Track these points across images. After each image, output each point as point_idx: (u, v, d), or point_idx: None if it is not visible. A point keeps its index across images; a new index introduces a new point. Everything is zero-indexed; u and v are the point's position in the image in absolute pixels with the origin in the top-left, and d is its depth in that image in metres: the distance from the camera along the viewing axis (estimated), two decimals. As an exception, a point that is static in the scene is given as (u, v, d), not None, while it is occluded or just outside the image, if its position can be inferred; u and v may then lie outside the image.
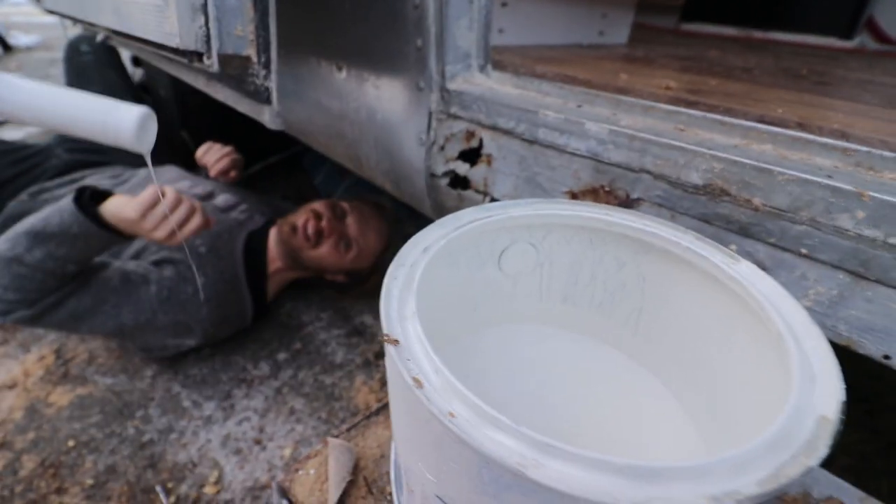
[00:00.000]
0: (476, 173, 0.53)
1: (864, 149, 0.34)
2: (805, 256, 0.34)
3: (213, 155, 1.11)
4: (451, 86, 0.51)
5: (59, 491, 0.81)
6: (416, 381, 0.21)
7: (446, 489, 0.23)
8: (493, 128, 0.49)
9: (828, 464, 0.39)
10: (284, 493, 0.45)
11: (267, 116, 0.58)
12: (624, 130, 0.40)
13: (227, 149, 1.13)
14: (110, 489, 0.82)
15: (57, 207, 0.73)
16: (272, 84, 0.44)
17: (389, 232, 1.10)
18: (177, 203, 0.72)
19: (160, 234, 0.72)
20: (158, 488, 0.82)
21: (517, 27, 0.74)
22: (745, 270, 0.29)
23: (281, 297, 1.18)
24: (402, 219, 1.18)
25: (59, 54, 2.28)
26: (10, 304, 0.76)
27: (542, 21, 0.79)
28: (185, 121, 1.36)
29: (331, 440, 0.46)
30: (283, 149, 1.55)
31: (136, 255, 0.94)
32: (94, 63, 1.32)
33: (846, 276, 0.33)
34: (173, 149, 1.30)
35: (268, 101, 0.47)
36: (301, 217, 1.00)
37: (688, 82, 0.54)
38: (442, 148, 0.54)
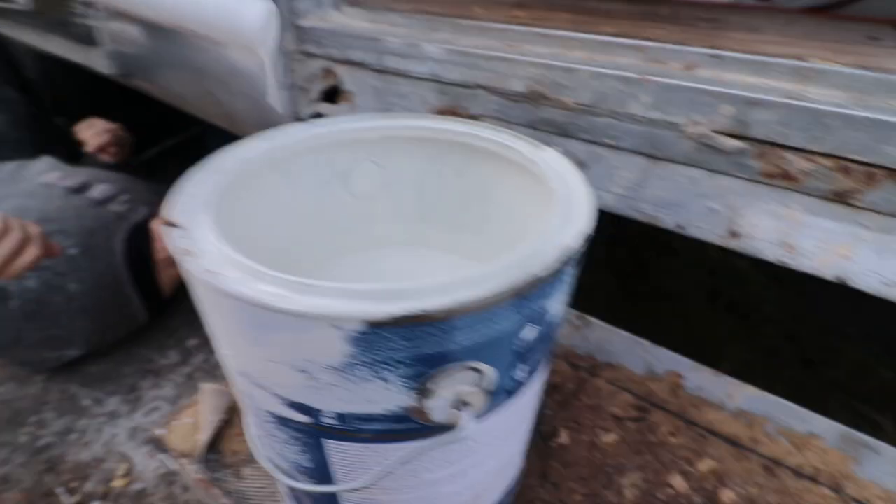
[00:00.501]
0: (339, 112, 0.52)
1: (657, 45, 0.38)
2: (611, 147, 0.38)
3: (92, 129, 1.01)
4: (304, 22, 0.50)
5: (-60, 511, 0.73)
6: (186, 251, 0.21)
7: (237, 358, 0.23)
8: (347, 62, 0.49)
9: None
10: (160, 444, 0.44)
11: (100, 61, 0.53)
12: (457, 48, 0.41)
13: (110, 125, 1.03)
14: (5, 499, 0.75)
15: None
16: (97, 23, 0.41)
17: None
18: (2, 233, 0.60)
19: None
20: (60, 489, 0.77)
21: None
22: (545, 155, 0.32)
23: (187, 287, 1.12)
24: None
25: None
26: None
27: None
28: (59, 106, 1.22)
29: (203, 385, 0.45)
30: (182, 130, 1.45)
31: None
32: None
33: (643, 160, 0.37)
34: (48, 137, 1.17)
35: (93, 41, 0.43)
36: None
37: (538, 14, 0.57)
38: (304, 89, 0.54)
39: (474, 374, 0.22)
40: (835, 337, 1.16)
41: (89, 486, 0.78)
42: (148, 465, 0.80)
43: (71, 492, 0.77)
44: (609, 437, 0.45)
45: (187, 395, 0.91)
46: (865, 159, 0.29)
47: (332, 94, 0.52)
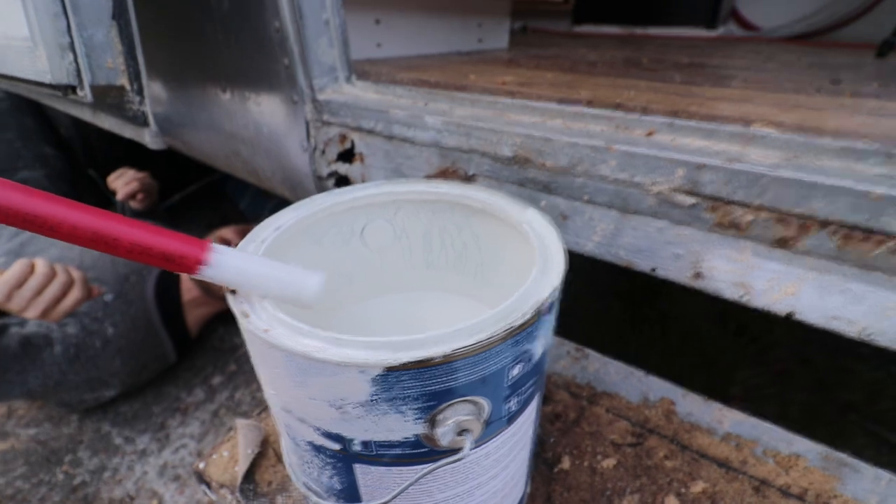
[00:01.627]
0: (354, 170, 0.60)
1: (622, 115, 0.44)
2: (588, 202, 0.44)
3: (122, 179, 1.10)
4: (321, 97, 0.58)
5: (-15, 548, 0.78)
6: (244, 313, 0.27)
7: (281, 396, 0.29)
8: (359, 129, 0.56)
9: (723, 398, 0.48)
10: (201, 476, 0.49)
11: (147, 138, 0.62)
12: (454, 120, 0.48)
13: (139, 173, 1.12)
14: (41, 537, 0.80)
15: None
16: (147, 108, 0.49)
17: None
18: (49, 277, 0.65)
19: (32, 313, 0.65)
20: (94, 526, 0.81)
21: (394, 41, 0.83)
22: (528, 215, 0.38)
23: (210, 325, 1.18)
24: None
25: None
26: None
27: (418, 33, 0.88)
28: (90, 160, 1.34)
29: (239, 420, 0.50)
30: (203, 177, 1.55)
31: None
32: (8, 109, 1.27)
33: (617, 213, 0.43)
34: (80, 190, 1.28)
35: (145, 123, 0.51)
36: None
37: (525, 77, 0.65)
38: (323, 152, 0.61)
39: (473, 406, 0.27)
40: (848, 358, 1.18)
41: (122, 523, 0.82)
42: (177, 500, 0.85)
43: (105, 528, 0.81)
44: (608, 462, 0.49)
45: (213, 432, 0.96)
46: (798, 211, 0.35)
47: (348, 155, 0.59)
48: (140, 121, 0.51)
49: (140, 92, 0.49)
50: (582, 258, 0.47)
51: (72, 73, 0.45)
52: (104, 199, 1.19)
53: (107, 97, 0.49)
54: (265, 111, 0.63)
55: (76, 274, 0.70)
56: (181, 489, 0.87)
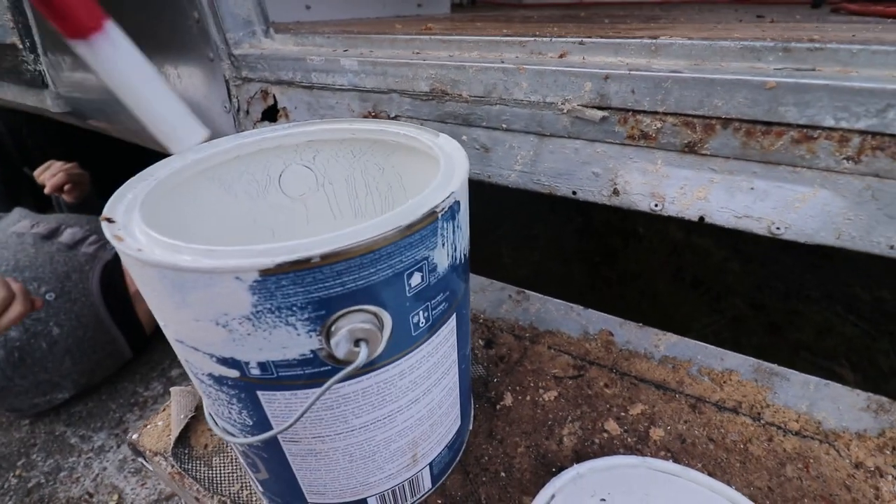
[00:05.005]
0: (280, 129, 0.58)
1: (536, 39, 0.44)
2: (507, 130, 0.43)
3: (49, 171, 1.04)
4: (238, 51, 0.55)
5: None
6: (117, 237, 0.26)
7: (169, 324, 0.27)
8: (279, 82, 0.54)
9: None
10: (135, 447, 0.47)
11: (49, 101, 0.58)
12: (370, 59, 0.47)
13: (66, 164, 1.05)
14: (-6, 543, 0.76)
15: None
16: (43, 67, 0.46)
17: None
18: None
19: None
20: (51, 527, 0.78)
21: (324, 4, 0.80)
22: (440, 140, 0.37)
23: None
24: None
25: None
26: None
27: (353, -2, 0.85)
28: (25, 157, 1.27)
29: (173, 388, 0.48)
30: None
31: None
32: None
33: (534, 138, 0.42)
34: (15, 189, 1.21)
35: (44, 84, 0.48)
36: None
37: (450, 26, 0.63)
38: (247, 112, 0.59)
39: (369, 315, 0.26)
40: (798, 301, 1.22)
41: (81, 520, 0.79)
42: (139, 493, 0.82)
43: (63, 528, 0.78)
44: (550, 395, 0.49)
45: (173, 422, 0.93)
46: (701, 112, 0.35)
47: (272, 112, 0.57)
48: (38, 82, 0.48)
49: (33, 49, 0.45)
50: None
51: (-51, 29, 0.42)
52: (43, 199, 1.13)
53: (1, 59, 0.46)
54: (182, 73, 0.60)
55: (16, 286, 0.66)
56: (143, 481, 0.84)
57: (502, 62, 0.42)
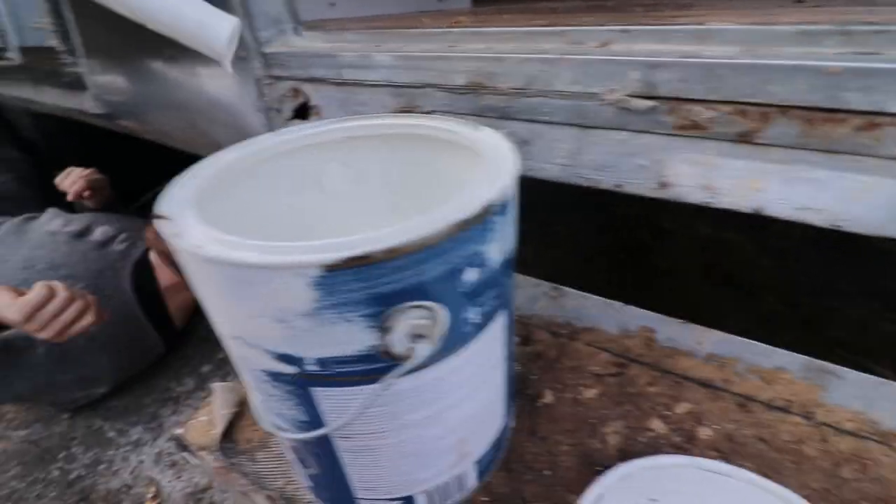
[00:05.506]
0: (313, 127, 0.58)
1: (576, 29, 0.43)
2: (547, 122, 0.42)
3: (69, 179, 1.07)
4: (268, 49, 0.56)
5: (-16, 548, 0.77)
6: (175, 234, 0.26)
7: (227, 322, 0.28)
8: (311, 79, 0.54)
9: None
10: (180, 442, 0.48)
11: (88, 103, 0.59)
12: (404, 54, 0.47)
13: (85, 170, 1.08)
14: (40, 533, 0.79)
15: None
16: (83, 69, 0.46)
17: None
18: (69, 301, 0.68)
19: (47, 334, 0.67)
20: (93, 518, 0.80)
21: (348, 1, 0.80)
22: (482, 134, 0.37)
23: (197, 315, 1.17)
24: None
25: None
26: None
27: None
28: (56, 162, 1.30)
29: (214, 384, 0.49)
30: (173, 176, 1.52)
31: None
32: None
33: (576, 130, 0.41)
34: (48, 193, 1.24)
35: (83, 87, 0.49)
36: None
37: (479, 18, 0.63)
38: (278, 110, 0.59)
39: (426, 311, 0.26)
40: (833, 297, 1.18)
41: (121, 512, 0.81)
42: (175, 486, 0.84)
43: (104, 519, 0.80)
44: (591, 393, 0.48)
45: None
46: (757, 100, 0.33)
47: (303, 111, 0.57)
48: (77, 85, 0.48)
49: (73, 52, 0.46)
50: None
51: (-3, 35, 0.43)
52: (74, 203, 1.16)
53: (41, 62, 0.47)
54: (215, 73, 0.61)
55: (90, 298, 0.72)
56: (178, 474, 0.86)
57: (543, 53, 0.41)
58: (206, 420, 0.48)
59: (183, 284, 1.02)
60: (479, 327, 0.30)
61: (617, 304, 0.52)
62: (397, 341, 0.26)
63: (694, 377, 0.49)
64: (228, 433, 0.46)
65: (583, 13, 0.68)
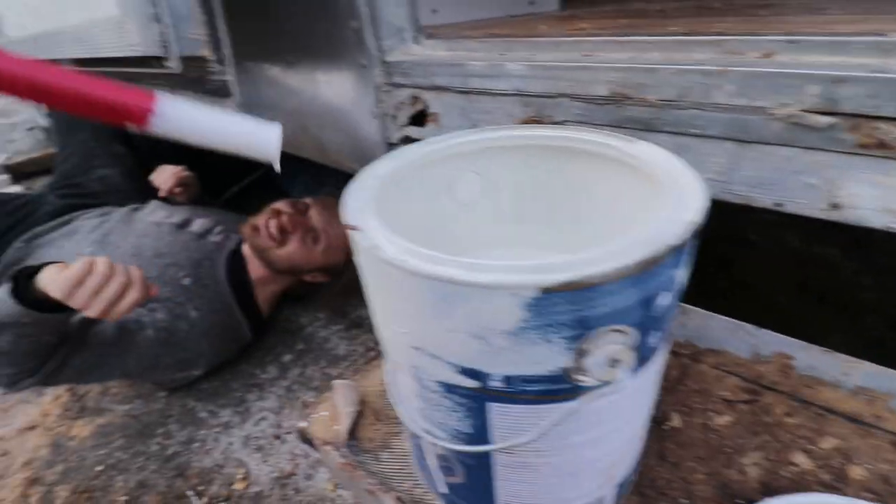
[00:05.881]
0: (427, 133, 0.58)
1: (729, 38, 0.41)
2: (697, 136, 0.40)
3: (161, 176, 1.14)
4: (391, 58, 0.57)
5: (96, 511, 0.85)
6: (376, 246, 0.27)
7: (414, 332, 0.28)
8: (433, 87, 0.55)
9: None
10: (304, 435, 0.50)
11: (230, 110, 0.63)
12: (539, 63, 0.46)
13: (176, 168, 1.16)
14: (145, 502, 0.86)
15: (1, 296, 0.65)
16: (231, 78, 0.49)
17: None
18: (107, 277, 0.63)
19: (92, 312, 0.63)
20: (190, 493, 0.86)
21: (449, 6, 0.81)
22: (638, 148, 0.36)
23: (278, 306, 1.22)
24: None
25: (18, 119, 2.32)
26: (11, 376, 0.75)
27: (472, -1, 0.85)
28: (157, 157, 1.40)
29: (335, 381, 0.51)
30: (256, 170, 1.60)
31: None
32: None
33: (732, 144, 0.39)
34: (150, 185, 1.34)
35: (228, 94, 0.52)
36: (261, 217, 1.02)
37: (599, 24, 0.61)
38: (394, 117, 0.60)
39: (624, 335, 0.26)
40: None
41: (214, 489, 0.87)
42: (262, 469, 0.88)
43: (199, 494, 0.86)
44: (722, 420, 0.46)
45: (289, 406, 0.99)
46: (970, 119, 0.30)
47: (419, 118, 0.58)
48: (222, 92, 0.51)
49: (222, 62, 0.49)
50: None
51: (160, 44, 0.46)
52: (167, 198, 1.25)
53: (189, 70, 0.50)
54: (333, 79, 0.63)
55: (135, 274, 0.68)
56: (265, 458, 0.91)
57: (699, 63, 0.39)
58: (327, 415, 0.50)
59: (270, 277, 1.07)
60: (656, 350, 0.30)
61: (749, 327, 0.50)
62: (595, 364, 0.25)
63: (839, 410, 0.45)
64: (351, 430, 0.48)
65: (699, 16, 0.65)
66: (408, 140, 0.61)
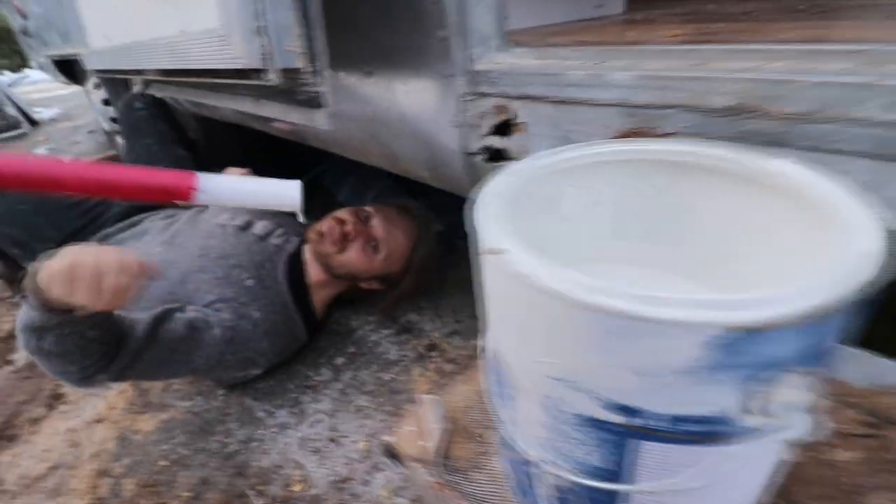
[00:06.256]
0: (513, 143, 0.57)
1: (872, 47, 0.37)
2: (833, 152, 0.37)
3: None
4: (477, 67, 0.56)
5: (162, 506, 0.87)
6: (525, 274, 0.25)
7: (563, 363, 0.27)
8: (524, 97, 0.53)
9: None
10: (390, 450, 0.49)
11: (322, 119, 0.63)
12: (646, 73, 0.44)
13: (243, 171, 1.18)
14: (207, 499, 0.88)
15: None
16: (324, 89, 0.49)
17: (417, 231, 1.12)
18: (95, 263, 0.56)
19: (100, 305, 0.59)
20: (251, 492, 0.88)
21: (520, 13, 0.79)
22: (779, 165, 0.33)
23: (331, 310, 1.23)
24: (429, 217, 1.22)
25: (81, 122, 2.45)
26: (78, 372, 0.74)
27: (541, 3, 0.84)
28: (215, 160, 1.46)
29: (422, 396, 0.50)
30: (306, 172, 1.63)
31: (189, 301, 0.93)
32: (148, 117, 1.42)
33: (873, 162, 0.36)
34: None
35: (319, 105, 0.52)
36: (325, 224, 1.04)
37: (693, 30, 0.58)
38: (475, 126, 0.59)
39: (798, 378, 0.23)
40: None
41: (273, 490, 0.88)
42: (319, 472, 0.89)
43: (259, 494, 0.87)
44: (844, 455, 0.43)
45: (344, 409, 1.00)
46: None
47: (504, 128, 0.57)
48: (314, 103, 0.52)
49: (317, 73, 0.49)
50: None
51: (261, 57, 0.47)
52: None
53: (283, 81, 0.51)
54: (412, 88, 0.62)
55: (128, 259, 0.60)
56: (321, 461, 0.91)
57: (838, 76, 0.36)
58: (414, 431, 0.50)
59: (328, 281, 1.09)
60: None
61: (865, 355, 0.46)
62: (768, 407, 0.23)
63: (977, 454, 0.41)
64: (440, 449, 0.47)
65: (797, 21, 0.61)
66: (488, 150, 0.60)
